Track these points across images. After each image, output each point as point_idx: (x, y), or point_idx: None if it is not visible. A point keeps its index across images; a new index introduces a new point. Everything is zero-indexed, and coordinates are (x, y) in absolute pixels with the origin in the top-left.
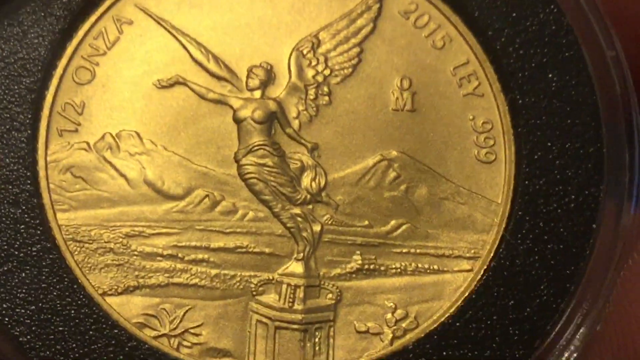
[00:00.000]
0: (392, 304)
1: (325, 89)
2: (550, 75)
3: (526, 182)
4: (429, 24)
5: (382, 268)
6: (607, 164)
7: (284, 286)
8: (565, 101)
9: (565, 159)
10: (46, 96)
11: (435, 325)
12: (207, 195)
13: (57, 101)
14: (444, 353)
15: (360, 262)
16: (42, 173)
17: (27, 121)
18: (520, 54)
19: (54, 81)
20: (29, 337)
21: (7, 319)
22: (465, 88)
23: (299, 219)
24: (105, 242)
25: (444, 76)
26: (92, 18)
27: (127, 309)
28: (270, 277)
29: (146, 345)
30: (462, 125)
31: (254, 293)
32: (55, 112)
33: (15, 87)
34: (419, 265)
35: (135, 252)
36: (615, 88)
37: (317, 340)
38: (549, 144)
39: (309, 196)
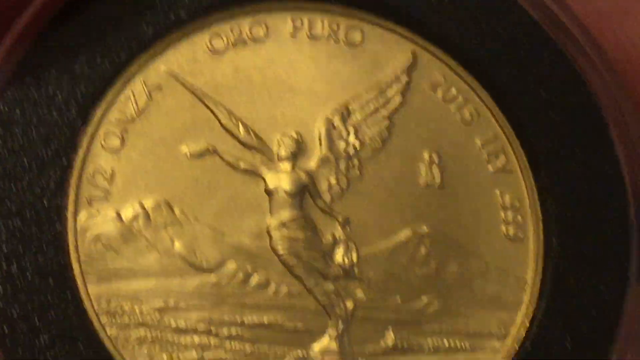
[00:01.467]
0: None
1: (356, 161)
2: (578, 156)
3: (555, 262)
4: (457, 98)
5: (415, 347)
6: (636, 244)
7: None
8: (592, 181)
9: (594, 239)
10: (75, 163)
11: None
12: (240, 269)
13: (86, 168)
14: None
15: (393, 339)
16: (71, 243)
17: (56, 188)
18: (548, 133)
19: (83, 147)
20: None
21: None
22: (493, 164)
23: (332, 294)
24: (138, 316)
25: (472, 151)
26: (121, 82)
27: None
28: (304, 355)
29: None
30: (490, 202)
31: None
32: (84, 179)
33: (44, 151)
34: (451, 343)
35: (168, 327)
36: None
37: None
38: (577, 223)
39: (341, 272)
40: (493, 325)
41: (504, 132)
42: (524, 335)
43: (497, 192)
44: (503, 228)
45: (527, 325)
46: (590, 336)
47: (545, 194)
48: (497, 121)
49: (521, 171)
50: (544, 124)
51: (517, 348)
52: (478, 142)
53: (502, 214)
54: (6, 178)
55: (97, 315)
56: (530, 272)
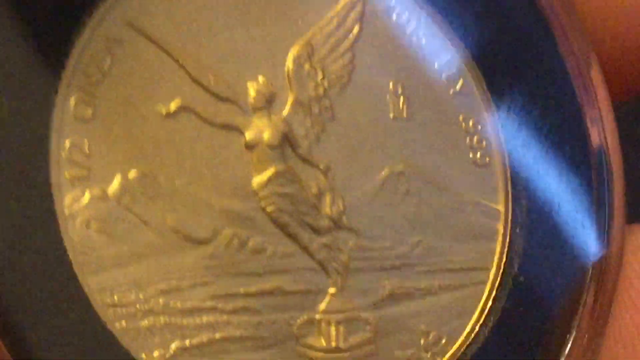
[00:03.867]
0: (424, 327)
1: (327, 102)
2: (532, 77)
3: (523, 186)
4: (411, 21)
5: (411, 291)
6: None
7: (324, 325)
8: (546, 102)
9: (554, 162)
10: (50, 139)
11: (467, 343)
12: (234, 235)
13: (62, 145)
14: None
15: (390, 287)
16: (64, 235)
17: (39, 172)
18: (503, 55)
19: (56, 121)
20: None
21: None
22: (453, 88)
23: (327, 249)
24: (143, 303)
25: (432, 76)
26: (82, 41)
27: None
28: (311, 317)
29: None
30: (456, 129)
31: (298, 336)
32: (62, 158)
33: (17, 135)
34: (441, 282)
35: (175, 310)
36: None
37: None
38: (539, 144)
39: (331, 223)
40: (475, 258)
41: (459, 53)
42: (505, 264)
43: (460, 117)
44: (470, 155)
45: (506, 255)
46: (571, 252)
47: (503, 113)
48: (451, 42)
49: (478, 92)
50: (498, 44)
51: (499, 279)
52: (435, 65)
53: (468, 140)
54: None
55: (103, 308)
56: (501, 199)
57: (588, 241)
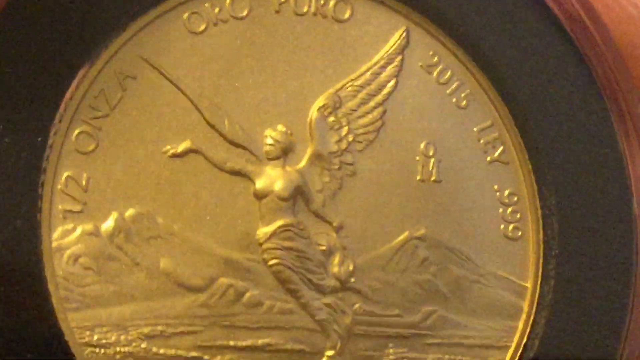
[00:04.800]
0: None
1: (350, 157)
2: (579, 146)
3: (556, 264)
4: (453, 81)
5: None
6: (638, 242)
7: None
8: (592, 173)
9: (596, 237)
10: (47, 172)
11: None
12: (230, 286)
13: (58, 177)
14: None
15: (393, 356)
16: (47, 265)
17: (28, 205)
18: (548, 120)
19: (54, 152)
20: None
21: None
22: (491, 154)
23: (329, 310)
24: (124, 346)
25: (468, 140)
26: (92, 73)
27: None
28: None
29: None
30: (488, 197)
31: None
32: (57, 190)
33: (13, 163)
34: (452, 357)
35: (157, 356)
36: None
37: None
38: (578, 220)
39: (338, 283)
40: (493, 335)
41: (502, 119)
42: (524, 345)
43: (495, 186)
44: (502, 226)
45: (528, 335)
46: (596, 342)
47: (545, 188)
48: (494, 106)
49: (519, 162)
50: (544, 110)
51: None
52: (474, 129)
53: (501, 210)
54: None
55: (80, 348)
56: (530, 275)
57: (613, 332)
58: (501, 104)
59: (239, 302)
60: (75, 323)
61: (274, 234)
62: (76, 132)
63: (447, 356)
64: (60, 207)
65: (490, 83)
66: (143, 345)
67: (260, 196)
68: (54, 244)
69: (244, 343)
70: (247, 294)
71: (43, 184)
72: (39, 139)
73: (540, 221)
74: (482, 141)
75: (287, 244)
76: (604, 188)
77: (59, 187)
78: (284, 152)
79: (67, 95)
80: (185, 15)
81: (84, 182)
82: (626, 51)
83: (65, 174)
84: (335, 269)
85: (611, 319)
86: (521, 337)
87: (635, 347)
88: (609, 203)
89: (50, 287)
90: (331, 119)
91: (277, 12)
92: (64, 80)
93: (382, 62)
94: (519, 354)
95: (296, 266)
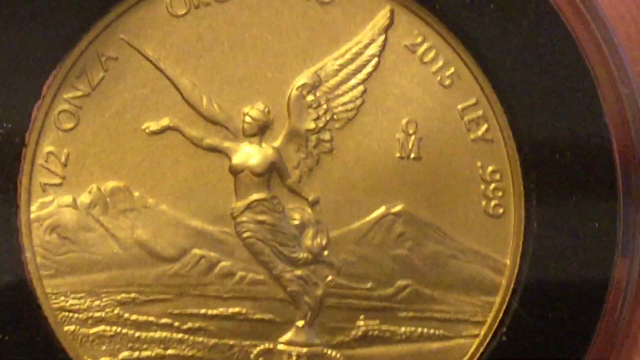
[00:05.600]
0: None
1: (327, 135)
2: (565, 125)
3: (536, 241)
4: (437, 60)
5: (387, 334)
6: (621, 221)
7: (285, 356)
8: (578, 152)
9: (578, 216)
10: (27, 146)
11: None
12: (202, 257)
13: (39, 152)
14: None
15: (364, 328)
16: (25, 235)
17: (7, 176)
18: (534, 99)
19: (36, 128)
20: None
21: None
22: (474, 132)
23: (301, 281)
24: (97, 311)
25: (452, 118)
26: (74, 54)
27: None
28: (271, 347)
29: None
30: (470, 175)
31: None
32: (37, 164)
33: None
34: (425, 330)
35: (129, 322)
36: (631, 134)
37: None
38: (560, 199)
39: (310, 256)
40: (469, 310)
41: (486, 97)
42: (500, 321)
43: (479, 163)
44: (483, 203)
45: (504, 311)
46: (572, 322)
47: (529, 166)
48: (479, 85)
49: (503, 140)
50: (530, 89)
51: (492, 335)
52: (458, 107)
53: (483, 187)
54: None
55: (53, 312)
56: (509, 252)
57: (591, 309)
58: (486, 82)
59: (211, 273)
60: (51, 289)
61: (247, 208)
62: (57, 110)
63: (419, 329)
64: (40, 180)
65: (475, 61)
66: (115, 311)
67: (235, 172)
68: (33, 215)
69: (214, 311)
70: (219, 265)
71: (25, 157)
72: (22, 115)
73: (523, 198)
74: (465, 119)
75: (260, 217)
76: (589, 165)
77: (39, 161)
78: (261, 130)
79: (50, 76)
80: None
81: (63, 158)
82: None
83: (47, 150)
84: (309, 242)
85: (590, 297)
86: (497, 313)
87: (612, 323)
88: (593, 181)
89: (28, 255)
90: (310, 97)
91: None
92: (47, 60)
93: (364, 42)
94: (493, 330)
95: (268, 239)
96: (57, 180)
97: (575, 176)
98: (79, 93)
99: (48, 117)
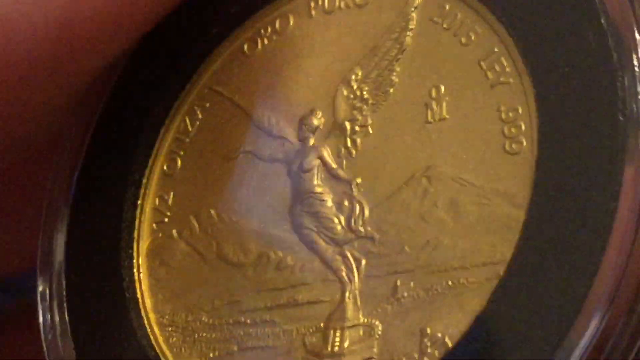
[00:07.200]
0: (427, 329)
1: (366, 120)
2: (575, 65)
3: (547, 179)
4: (455, 20)
5: (419, 294)
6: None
7: (331, 332)
8: (586, 93)
9: (584, 155)
10: (145, 196)
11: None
12: (268, 257)
13: (149, 198)
14: None
15: (399, 293)
16: (137, 269)
17: (127, 226)
18: (552, 52)
19: (152, 178)
20: None
21: None
22: (493, 78)
23: (346, 259)
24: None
25: (473, 72)
26: (173, 111)
27: None
28: (319, 325)
29: None
30: (492, 120)
31: (306, 344)
32: (147, 210)
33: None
34: (450, 282)
35: (205, 324)
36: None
37: None
38: (570, 139)
39: (352, 234)
40: (487, 250)
41: (505, 46)
42: (515, 256)
43: (496, 107)
44: (502, 142)
45: (518, 246)
46: (581, 254)
47: (544, 107)
48: (497, 35)
49: (523, 85)
50: (549, 41)
51: (507, 271)
52: (478, 60)
53: (506, 129)
54: None
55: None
56: (523, 190)
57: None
58: (504, 33)
59: (275, 269)
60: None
61: (299, 203)
62: (163, 160)
63: (444, 282)
64: (151, 221)
65: (495, 19)
66: (203, 319)
67: (290, 174)
68: (142, 249)
69: (274, 303)
70: (276, 258)
71: (144, 207)
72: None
73: (536, 137)
74: (484, 69)
75: (310, 209)
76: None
77: (149, 207)
78: (313, 132)
79: (159, 139)
80: (241, 45)
81: (169, 198)
82: None
83: (157, 196)
84: (352, 222)
85: (593, 239)
86: (516, 248)
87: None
88: (597, 122)
89: (140, 285)
90: (349, 90)
91: (310, 17)
92: (158, 127)
93: (396, 29)
94: (509, 266)
95: (318, 226)
96: (163, 219)
97: (581, 116)
98: (182, 144)
99: (156, 165)
